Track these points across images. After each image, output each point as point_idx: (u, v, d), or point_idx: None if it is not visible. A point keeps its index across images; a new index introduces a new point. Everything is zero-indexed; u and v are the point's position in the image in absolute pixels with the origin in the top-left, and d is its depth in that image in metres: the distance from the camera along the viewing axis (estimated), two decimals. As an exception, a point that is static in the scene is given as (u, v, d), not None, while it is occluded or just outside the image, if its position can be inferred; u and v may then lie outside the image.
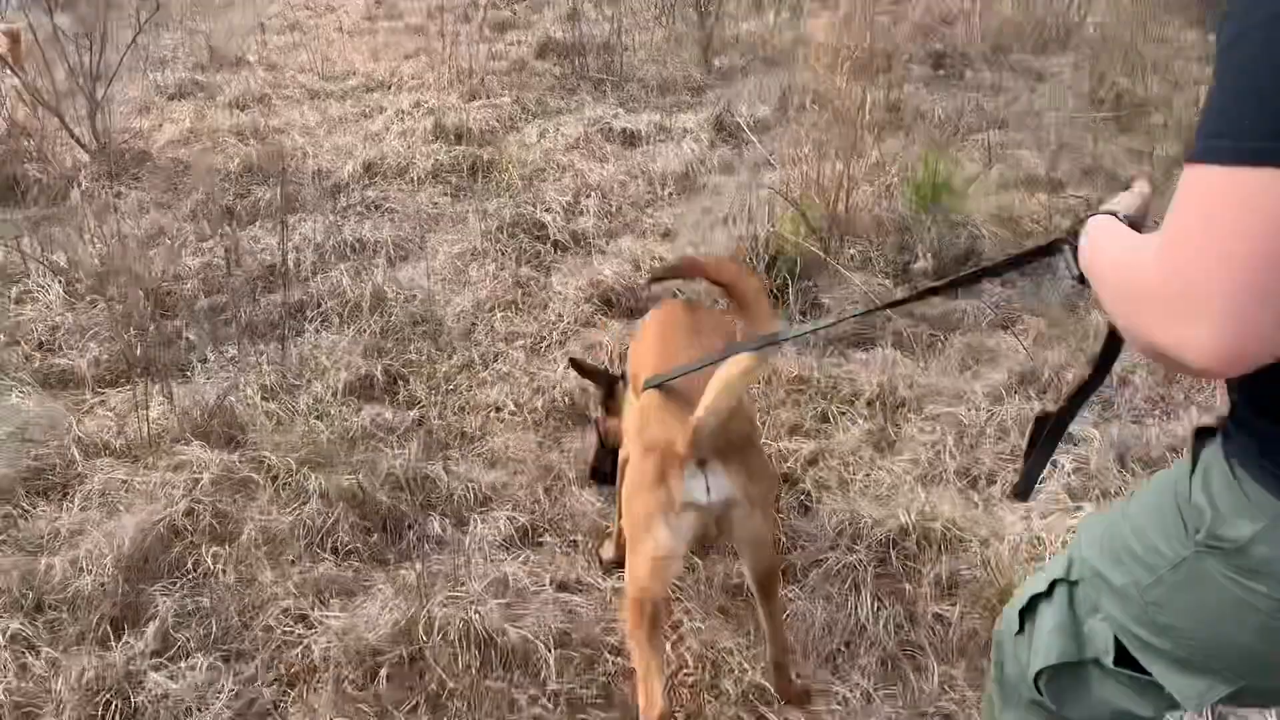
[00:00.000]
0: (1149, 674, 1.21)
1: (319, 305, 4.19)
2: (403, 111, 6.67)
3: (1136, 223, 1.21)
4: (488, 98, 7.02)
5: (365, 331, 3.98)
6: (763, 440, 2.85)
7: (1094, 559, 1.26)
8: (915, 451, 3.36)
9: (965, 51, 8.04)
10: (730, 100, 6.78)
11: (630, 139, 6.36)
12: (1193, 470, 1.12)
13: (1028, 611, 1.39)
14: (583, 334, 4.07)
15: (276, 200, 5.34)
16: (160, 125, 6.66)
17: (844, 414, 3.56)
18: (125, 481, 2.90)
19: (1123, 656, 1.24)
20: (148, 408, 3.18)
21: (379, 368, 3.70)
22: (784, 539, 2.97)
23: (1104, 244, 1.12)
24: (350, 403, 3.49)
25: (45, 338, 3.84)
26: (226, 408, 3.14)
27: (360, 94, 7.45)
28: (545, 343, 4.04)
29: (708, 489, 2.03)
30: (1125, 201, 1.27)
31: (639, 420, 2.24)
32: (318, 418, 3.33)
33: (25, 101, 4.84)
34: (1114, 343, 1.33)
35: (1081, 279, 1.21)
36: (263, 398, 3.41)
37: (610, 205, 5.26)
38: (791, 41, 8.34)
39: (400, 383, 3.74)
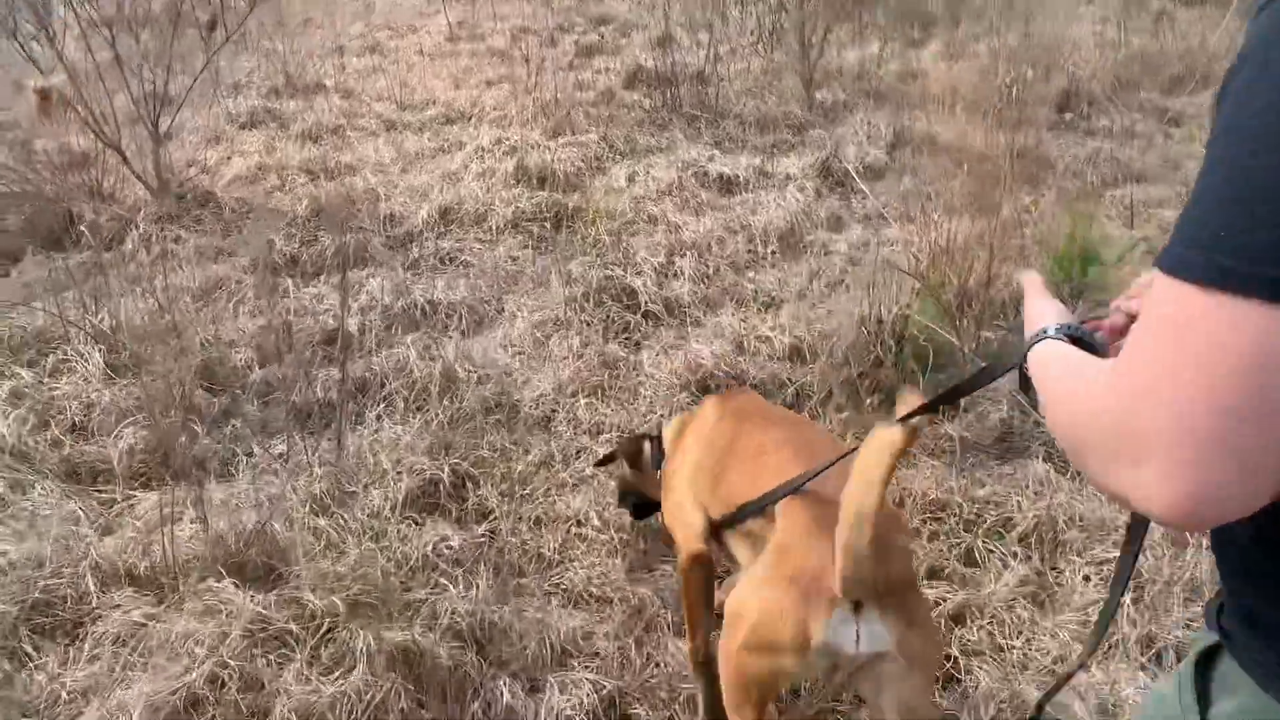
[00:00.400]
0: None
1: (383, 385, 3.72)
2: (483, 149, 6.23)
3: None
4: (573, 134, 6.55)
5: (433, 421, 3.50)
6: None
7: None
8: (1084, 608, 2.76)
9: (1089, 89, 7.35)
10: (837, 142, 6.20)
11: (727, 185, 5.83)
12: (1203, 709, 0.94)
13: None
14: (678, 429, 3.53)
15: (344, 250, 4.92)
16: (229, 158, 6.31)
17: (992, 551, 2.97)
18: (144, 626, 2.45)
19: None
20: (174, 521, 2.72)
21: (446, 468, 3.21)
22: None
23: (1055, 368, 1.03)
24: (411, 517, 3.00)
25: (79, 417, 3.43)
26: (267, 534, 2.67)
27: (439, 126, 7.04)
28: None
29: (857, 638, 1.74)
30: (1061, 315, 1.14)
31: (776, 542, 1.93)
32: (373, 539, 2.84)
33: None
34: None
35: (1025, 386, 1.14)
36: (311, 509, 2.94)
37: (707, 266, 4.72)
38: (901, 75, 7.74)
39: (469, 485, 3.24)
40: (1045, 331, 1.11)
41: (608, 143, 6.44)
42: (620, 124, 6.92)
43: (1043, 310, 1.16)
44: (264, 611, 2.43)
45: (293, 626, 2.42)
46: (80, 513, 2.94)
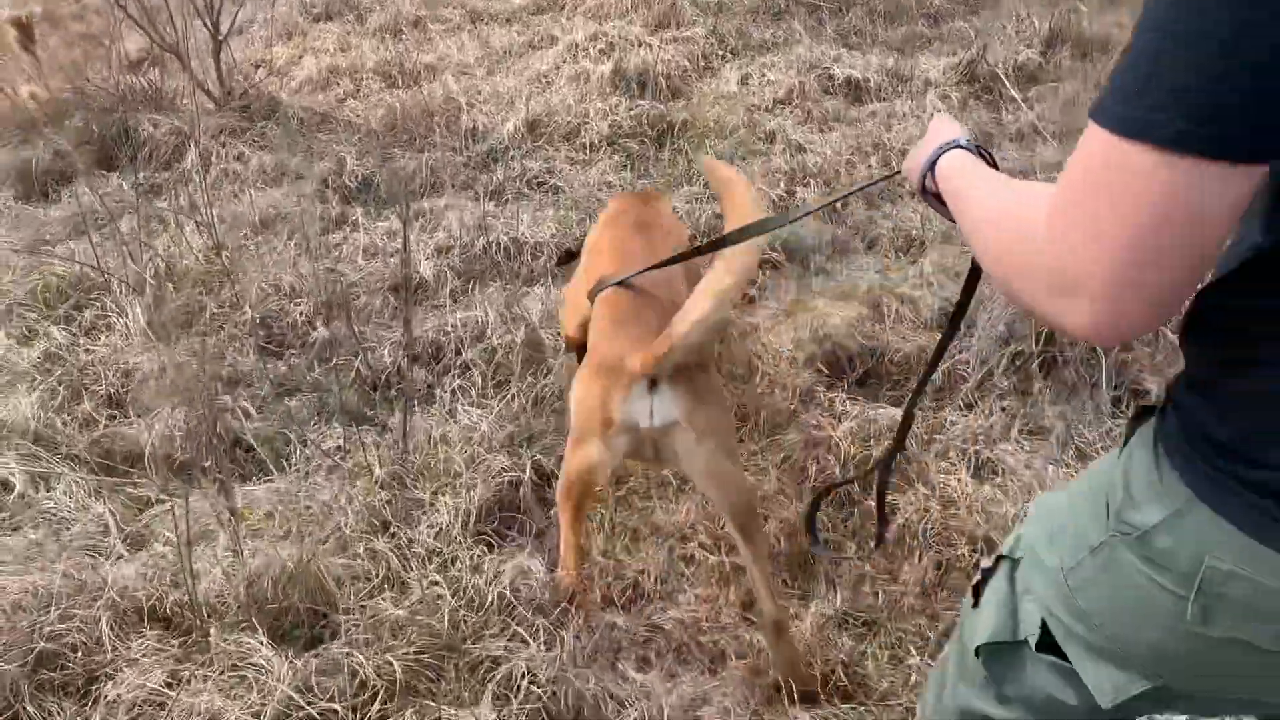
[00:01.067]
0: (1068, 663, 1.14)
1: (458, 353, 3.20)
2: (576, 46, 5.54)
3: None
4: (678, 26, 5.81)
5: (514, 402, 2.98)
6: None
7: (1034, 537, 1.20)
8: None
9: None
10: (984, 40, 5.34)
11: (855, 91, 5.06)
12: (1121, 450, 1.07)
13: (981, 585, 1.30)
14: (801, 416, 2.96)
15: (421, 172, 4.37)
16: (300, 57, 5.75)
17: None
18: (159, 696, 2.02)
19: (1049, 641, 1.16)
20: (201, 543, 2.28)
21: (528, 467, 2.71)
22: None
23: (972, 187, 1.10)
24: (486, 536, 2.51)
25: (114, 388, 3.01)
26: (313, 573, 2.21)
27: (528, 16, 6.35)
28: (750, 426, 2.95)
29: (651, 412, 1.95)
30: (959, 131, 1.25)
31: (594, 327, 2.22)
32: (440, 568, 2.37)
33: (38, 98, 3.91)
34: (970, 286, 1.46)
35: (925, 193, 1.25)
36: (368, 524, 2.48)
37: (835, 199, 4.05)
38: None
39: (552, 484, 2.74)
40: (956, 141, 1.21)
41: (717, 37, 5.70)
42: (731, 13, 6.14)
43: (946, 127, 1.25)
44: (304, 674, 1.98)
45: (337, 710, 1.97)
46: (109, 516, 2.53)
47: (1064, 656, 1.14)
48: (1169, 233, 0.77)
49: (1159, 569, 0.98)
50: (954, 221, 1.16)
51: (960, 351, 3.14)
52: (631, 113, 4.77)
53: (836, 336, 3.16)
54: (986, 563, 1.30)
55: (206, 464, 2.64)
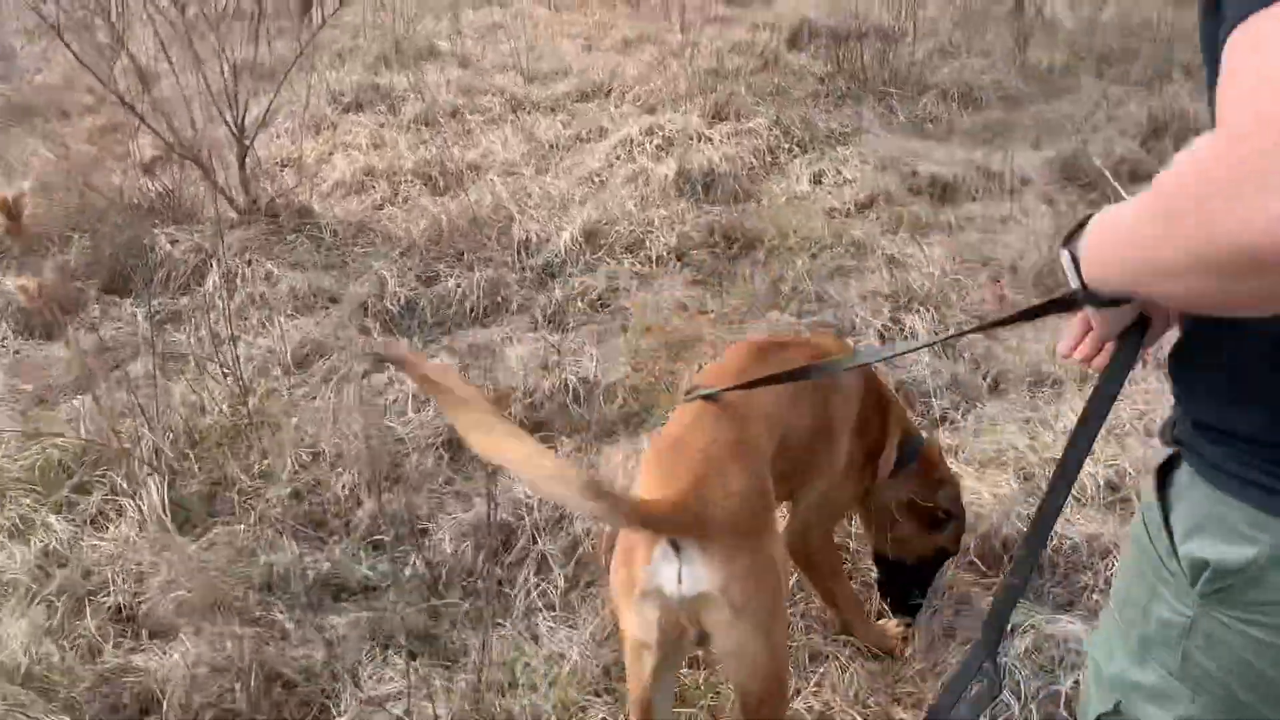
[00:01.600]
0: None
1: (533, 539, 2.68)
2: (631, 141, 5.09)
3: None
4: (738, 117, 5.36)
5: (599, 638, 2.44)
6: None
7: (1117, 669, 1.06)
8: None
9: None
10: (1080, 131, 4.86)
11: (944, 191, 4.59)
12: (1165, 513, 0.98)
13: None
14: (958, 627, 2.42)
15: (472, 294, 3.89)
16: (330, 154, 5.31)
17: None
18: None
19: None
20: None
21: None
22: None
23: (1111, 217, 0.93)
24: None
25: (125, 596, 2.49)
26: None
27: (573, 104, 5.92)
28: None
29: (679, 577, 1.62)
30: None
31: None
32: None
33: (27, 290, 3.46)
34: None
35: (1095, 297, 1.01)
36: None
37: (947, 327, 3.54)
38: (1141, 25, 6.28)
39: None
40: (1088, 215, 1.02)
41: (781, 128, 5.24)
42: (789, 97, 5.70)
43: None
44: None
45: None
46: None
47: None
48: None
49: (1268, 608, 0.90)
50: (1125, 300, 1.00)
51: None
52: (699, 220, 4.29)
53: (990, 519, 2.64)
54: None
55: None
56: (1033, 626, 2.41)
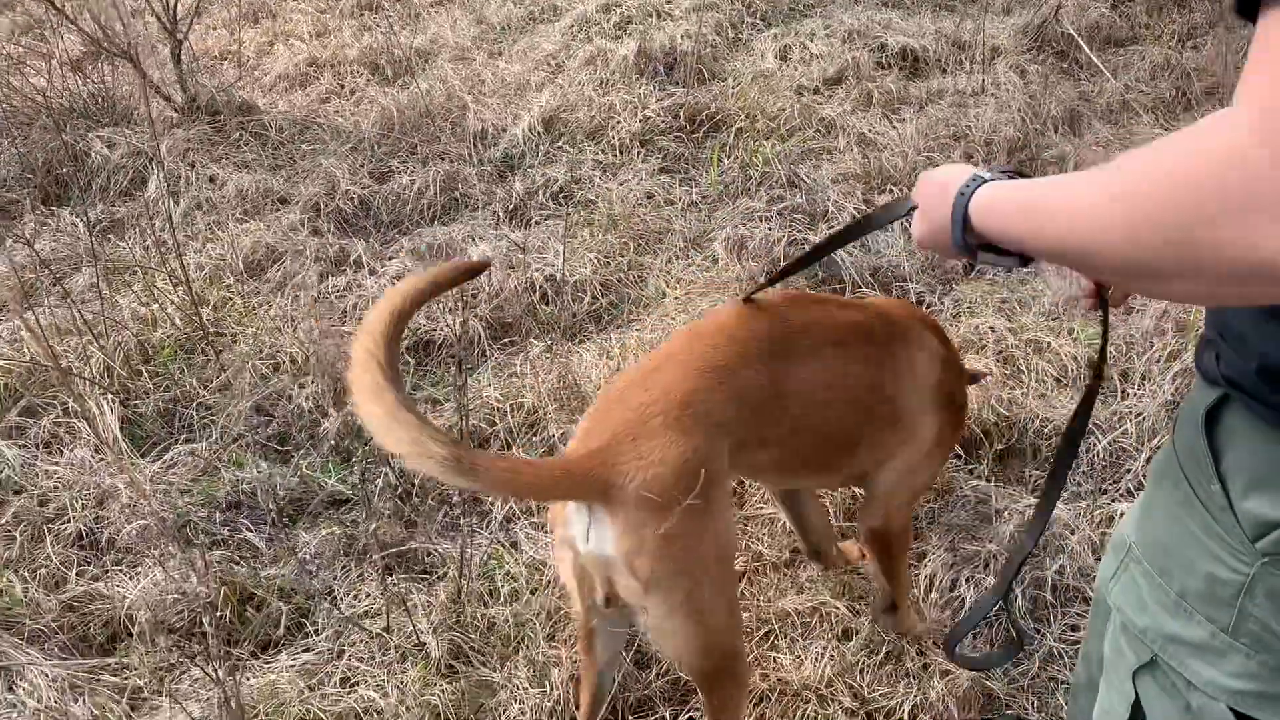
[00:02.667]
0: None
1: (507, 444, 2.60)
2: (587, 20, 4.85)
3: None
4: (699, -12, 5.11)
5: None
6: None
7: (1158, 623, 1.00)
8: None
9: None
10: (1053, -3, 4.68)
11: (915, 64, 4.43)
12: (1216, 462, 0.90)
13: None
14: (941, 518, 2.40)
15: (429, 190, 3.73)
16: (271, 45, 5.03)
17: None
18: None
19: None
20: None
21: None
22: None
23: (1048, 188, 0.83)
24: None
25: (86, 523, 2.40)
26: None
27: None
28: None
29: (587, 536, 1.51)
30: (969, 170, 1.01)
31: None
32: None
33: None
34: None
35: (1024, 259, 0.97)
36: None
37: (921, 208, 3.44)
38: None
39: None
40: (979, 177, 0.98)
41: (744, 2, 5.02)
42: (751, -31, 5.44)
43: (951, 175, 1.02)
44: None
45: None
46: (89, 725, 1.95)
47: None
48: None
49: None
50: (1022, 262, 0.99)
51: (1120, 421, 2.59)
52: (663, 104, 4.12)
53: (970, 405, 2.59)
54: (1124, 698, 1.08)
55: (206, 644, 2.05)
56: (1018, 512, 2.40)
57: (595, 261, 3.30)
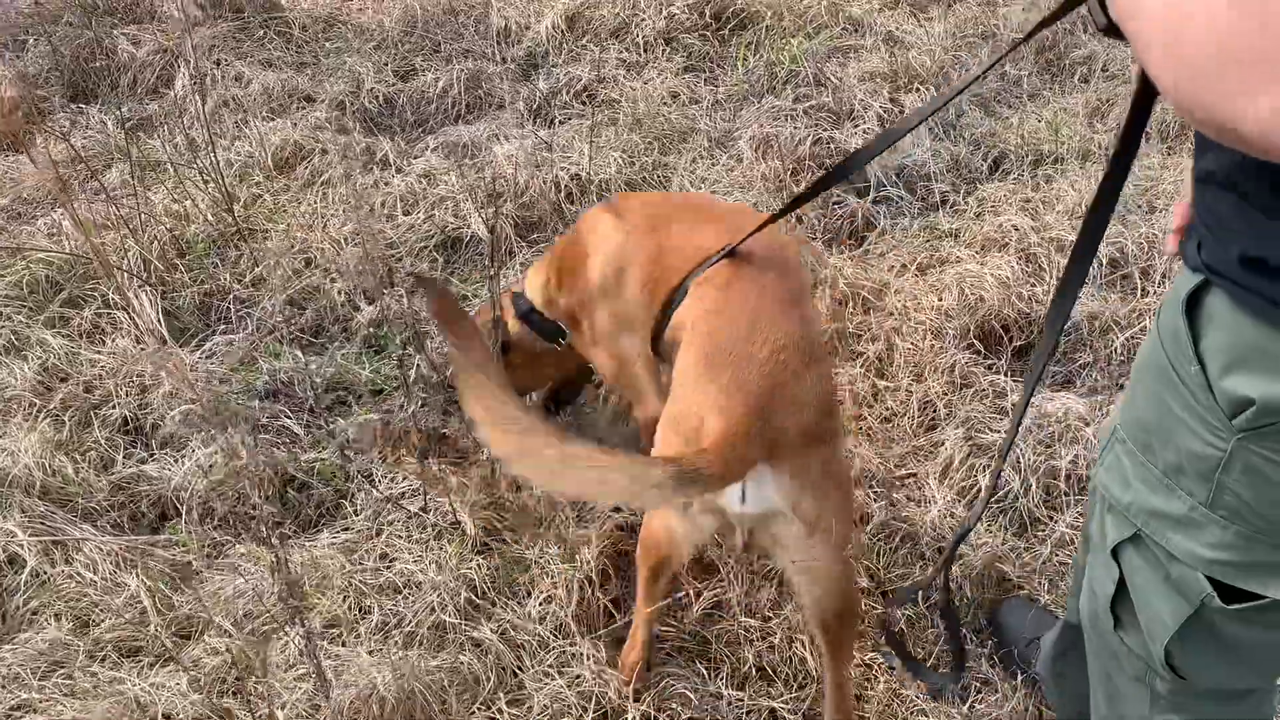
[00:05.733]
0: (1265, 595, 1.02)
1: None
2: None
3: None
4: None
5: (619, 407, 2.47)
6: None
7: (1141, 499, 1.07)
8: None
9: None
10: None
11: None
12: (1195, 343, 0.95)
13: (1118, 599, 1.17)
14: (959, 409, 2.46)
15: (453, 89, 3.73)
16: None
17: None
18: None
19: (1226, 589, 1.03)
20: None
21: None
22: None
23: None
24: (609, 606, 2.05)
25: (131, 409, 2.49)
26: (415, 694, 1.76)
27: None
28: (893, 426, 2.46)
29: (743, 497, 1.48)
30: None
31: (682, 350, 1.67)
32: (560, 661, 1.92)
33: None
34: (1142, 110, 1.09)
35: (1110, 29, 0.90)
36: (466, 613, 2.01)
37: (948, 109, 3.42)
38: None
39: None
40: None
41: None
42: None
43: None
44: None
45: None
46: (145, 597, 2.06)
47: (1249, 596, 1.04)
48: None
49: None
50: (1111, 30, 0.91)
51: (1139, 317, 2.62)
52: (688, 1, 4.07)
53: (991, 301, 2.63)
54: (1109, 575, 1.17)
55: (254, 521, 2.16)
56: (1032, 404, 2.45)
57: (620, 161, 3.32)
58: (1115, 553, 1.15)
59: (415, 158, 3.45)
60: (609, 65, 3.87)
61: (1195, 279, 0.96)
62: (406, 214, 3.18)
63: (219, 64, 3.91)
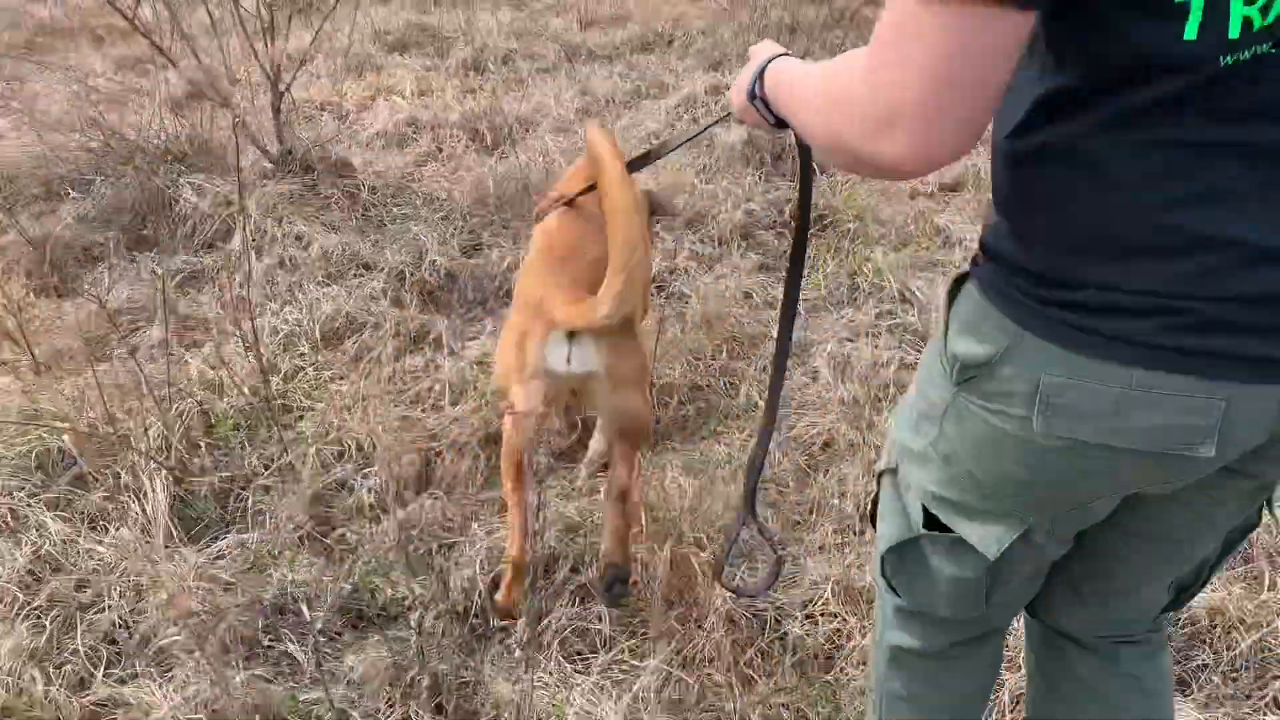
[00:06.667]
0: (953, 531, 1.25)
1: (575, 570, 2.38)
2: (695, 100, 4.70)
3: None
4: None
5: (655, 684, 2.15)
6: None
7: (902, 438, 1.30)
8: None
9: None
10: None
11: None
12: (948, 311, 1.18)
13: (874, 510, 1.43)
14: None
15: (517, 264, 3.56)
16: (373, 99, 4.96)
17: None
18: None
19: (932, 521, 1.27)
20: None
21: None
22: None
23: (798, 75, 1.20)
24: None
25: (120, 614, 2.22)
26: None
27: (631, 55, 5.52)
28: None
29: (569, 358, 2.04)
30: (776, 47, 1.37)
31: (526, 260, 2.38)
32: None
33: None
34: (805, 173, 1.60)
35: (779, 124, 1.33)
36: None
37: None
38: None
39: None
40: (769, 57, 1.33)
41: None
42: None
43: (762, 48, 1.39)
44: None
45: None
46: None
47: (948, 529, 1.26)
48: (968, 69, 0.87)
49: (1002, 398, 1.09)
50: (780, 125, 1.33)
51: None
52: (768, 197, 3.93)
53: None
54: (872, 488, 1.49)
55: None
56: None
57: (686, 364, 3.09)
58: (879, 477, 1.38)
59: (470, 339, 3.26)
60: (681, 256, 3.69)
61: (964, 268, 1.18)
62: (454, 403, 2.96)
63: (280, 221, 3.80)
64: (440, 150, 4.42)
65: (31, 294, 3.43)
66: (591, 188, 2.14)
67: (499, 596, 2.16)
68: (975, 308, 1.11)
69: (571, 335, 2.01)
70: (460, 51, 5.42)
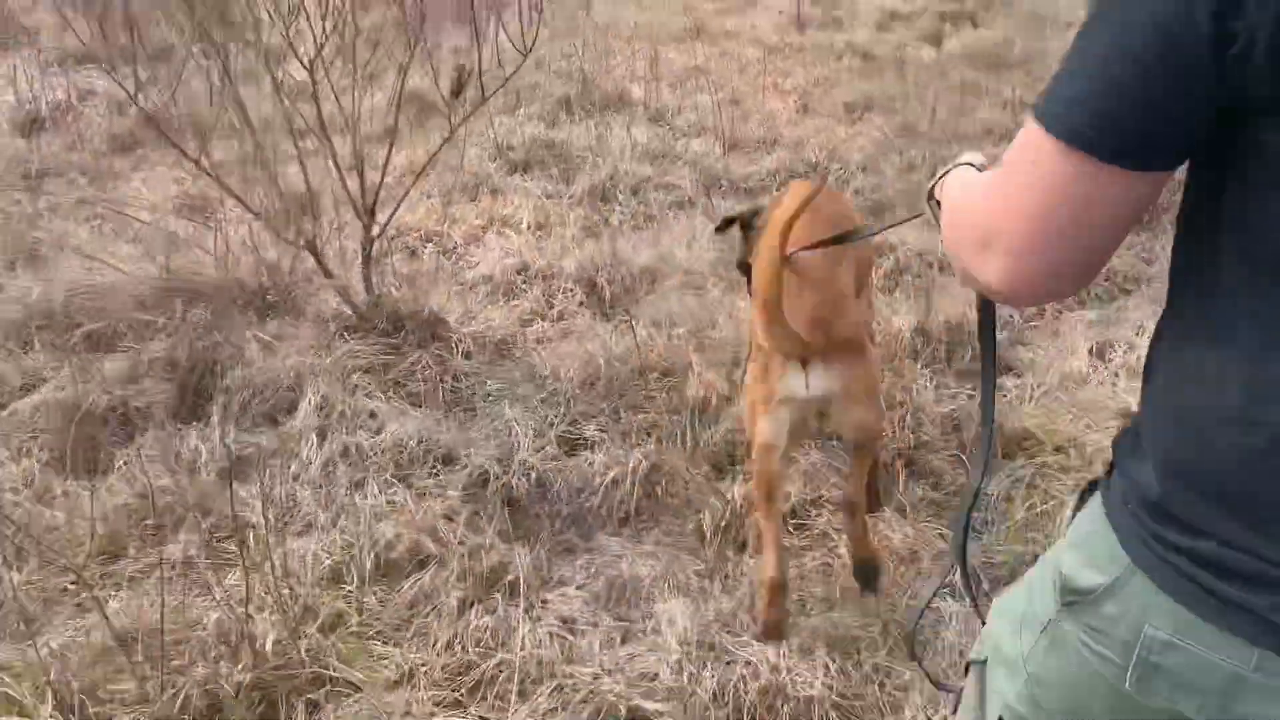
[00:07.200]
0: None
1: None
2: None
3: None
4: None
5: None
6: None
7: (999, 634, 1.17)
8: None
9: None
10: None
11: None
12: (1071, 519, 1.10)
13: (959, 698, 1.31)
14: None
15: (624, 481, 2.90)
16: (484, 230, 4.41)
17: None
18: None
19: None
20: None
21: None
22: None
23: (965, 179, 1.17)
24: None
25: None
26: None
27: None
28: None
29: (807, 385, 2.23)
30: (977, 157, 1.31)
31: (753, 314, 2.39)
32: None
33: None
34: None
35: (929, 200, 1.33)
36: None
37: None
38: None
39: None
40: (958, 162, 1.28)
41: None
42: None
43: (966, 154, 1.31)
44: None
45: None
46: None
47: None
48: (1065, 213, 0.86)
49: (1101, 636, 0.97)
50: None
51: None
52: (941, 409, 3.17)
53: None
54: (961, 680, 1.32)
55: None
56: None
57: (832, 659, 2.35)
58: (968, 665, 1.25)
59: (551, 588, 2.59)
60: (822, 484, 2.97)
61: (1099, 474, 1.07)
62: (521, 695, 2.28)
63: (355, 391, 3.23)
64: (550, 306, 3.80)
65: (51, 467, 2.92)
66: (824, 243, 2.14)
67: (761, 613, 2.35)
68: (1092, 525, 1.01)
69: (805, 363, 2.21)
70: (587, 176, 4.84)
